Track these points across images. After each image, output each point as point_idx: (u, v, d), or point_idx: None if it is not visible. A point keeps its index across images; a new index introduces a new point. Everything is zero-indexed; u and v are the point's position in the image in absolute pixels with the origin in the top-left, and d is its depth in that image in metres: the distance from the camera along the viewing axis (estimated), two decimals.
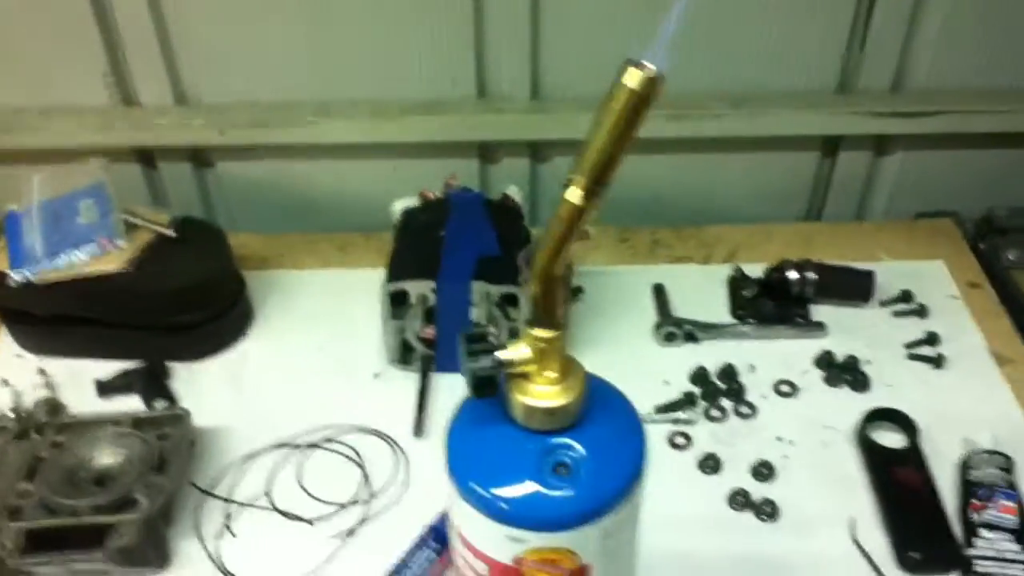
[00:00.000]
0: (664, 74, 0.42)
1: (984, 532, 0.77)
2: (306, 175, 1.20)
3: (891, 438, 0.88)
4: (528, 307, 0.89)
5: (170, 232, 0.97)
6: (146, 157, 1.19)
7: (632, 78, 0.41)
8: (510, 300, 0.93)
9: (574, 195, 0.45)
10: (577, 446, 0.50)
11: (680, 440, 0.89)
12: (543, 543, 0.50)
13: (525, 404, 0.50)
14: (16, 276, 0.92)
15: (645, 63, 0.41)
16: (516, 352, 0.50)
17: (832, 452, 0.87)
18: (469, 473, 0.51)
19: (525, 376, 0.50)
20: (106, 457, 0.81)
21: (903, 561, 0.77)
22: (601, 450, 0.51)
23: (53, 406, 0.90)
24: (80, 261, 0.93)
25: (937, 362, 0.96)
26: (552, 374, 0.50)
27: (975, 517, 0.78)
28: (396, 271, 0.94)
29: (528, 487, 0.49)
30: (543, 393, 0.50)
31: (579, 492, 0.49)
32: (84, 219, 0.97)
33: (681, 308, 1.04)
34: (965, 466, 0.83)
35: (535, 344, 0.50)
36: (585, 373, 0.52)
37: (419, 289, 0.92)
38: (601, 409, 0.53)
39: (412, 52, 1.10)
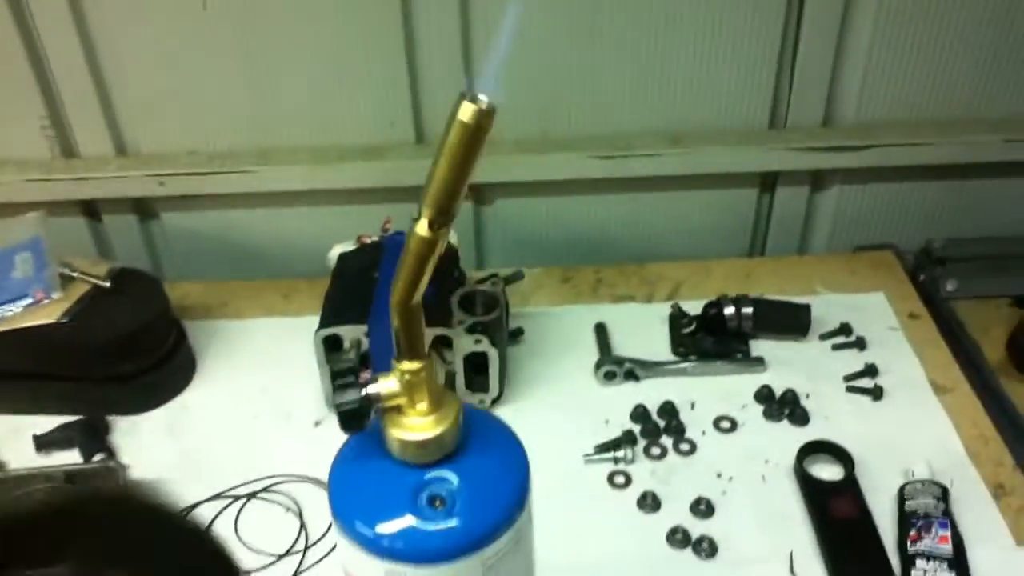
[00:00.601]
0: (495, 105, 0.43)
1: (920, 562, 0.77)
2: (249, 223, 1.20)
3: (829, 470, 0.88)
4: (471, 344, 0.90)
5: (105, 283, 0.97)
6: (91, 210, 1.19)
7: (465, 112, 0.42)
8: (444, 342, 0.93)
9: (422, 228, 0.46)
10: (453, 478, 0.51)
11: (619, 479, 0.89)
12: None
13: (398, 438, 0.50)
14: None
15: (477, 96, 0.43)
16: (384, 385, 0.51)
17: (770, 487, 0.88)
18: (349, 510, 0.51)
19: (398, 409, 0.51)
20: None
21: None
22: (478, 481, 0.51)
23: None
24: (14, 314, 0.93)
25: (875, 393, 0.96)
26: (423, 405, 0.50)
27: (912, 548, 0.78)
28: (328, 316, 0.94)
29: (405, 521, 0.49)
30: (415, 425, 0.50)
31: (458, 524, 0.49)
32: (20, 273, 0.96)
33: (623, 346, 1.04)
34: (902, 496, 0.83)
35: (402, 377, 0.50)
36: (460, 404, 0.52)
37: (352, 334, 0.92)
38: (480, 440, 0.53)
39: (350, 97, 1.11)
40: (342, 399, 0.48)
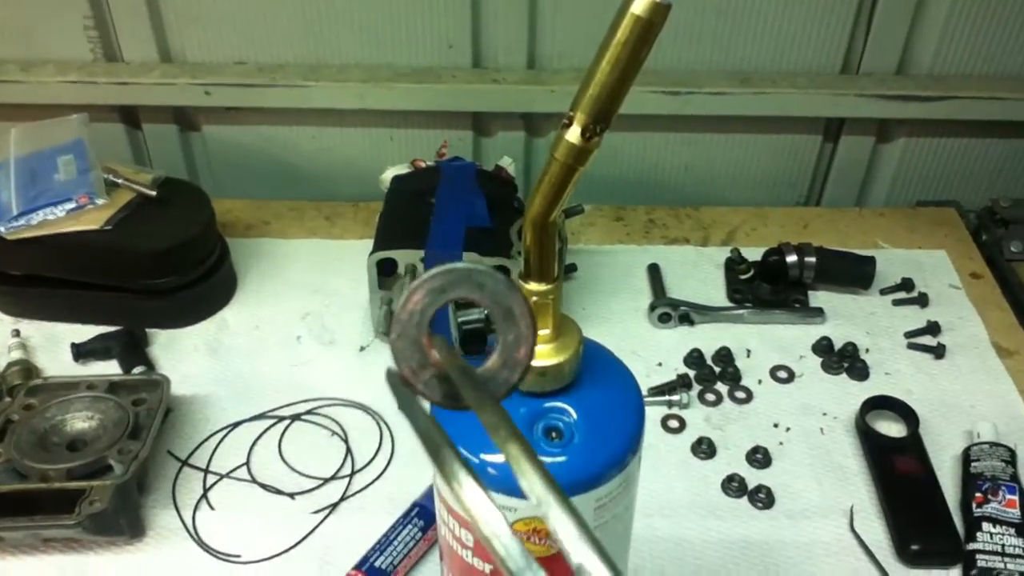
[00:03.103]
0: (671, 2, 0.39)
1: (986, 526, 0.75)
2: (294, 141, 1.16)
3: (890, 427, 0.86)
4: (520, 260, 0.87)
5: (151, 192, 0.94)
6: (130, 116, 1.15)
7: (639, 4, 0.38)
8: (502, 273, 0.89)
9: (574, 135, 0.41)
10: (570, 410, 0.47)
11: (674, 423, 0.86)
12: (533, 512, 0.47)
13: None
14: None
15: None
16: None
17: (829, 439, 0.85)
18: (455, 437, 0.48)
19: None
20: (79, 422, 0.78)
21: (902, 553, 0.74)
22: (596, 416, 0.48)
23: (27, 369, 0.87)
24: (57, 219, 0.90)
25: (938, 352, 0.93)
26: (545, 331, 0.47)
27: (977, 510, 0.76)
28: (384, 239, 0.90)
29: None
30: (536, 352, 0.47)
31: (572, 459, 0.46)
32: (63, 175, 0.93)
33: (676, 289, 1.01)
34: (967, 458, 0.81)
35: (528, 298, 0.46)
36: (581, 333, 0.49)
37: (407, 258, 0.89)
38: (596, 373, 0.49)
39: (409, 15, 1.06)
40: (467, 317, 0.45)
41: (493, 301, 0.37)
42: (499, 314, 0.37)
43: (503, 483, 0.46)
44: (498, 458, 0.46)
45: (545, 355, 0.46)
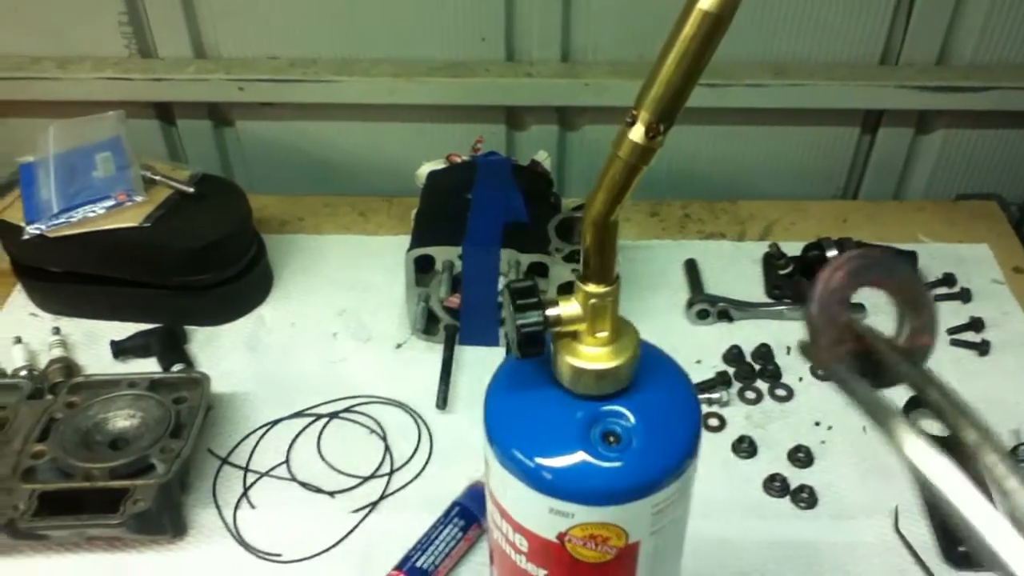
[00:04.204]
0: None
1: None
2: (327, 136, 1.16)
3: (933, 426, 0.85)
4: (565, 272, 0.87)
5: (189, 189, 0.94)
6: (165, 112, 1.15)
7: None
8: (540, 270, 0.89)
9: (637, 133, 0.41)
10: (628, 414, 0.47)
11: (714, 422, 0.86)
12: (590, 518, 0.46)
13: (573, 366, 0.46)
14: (31, 230, 0.88)
15: None
16: (566, 308, 0.46)
17: (872, 438, 0.84)
18: (511, 439, 0.47)
19: (574, 335, 0.47)
20: (121, 420, 0.78)
21: (949, 555, 0.73)
22: (654, 420, 0.47)
23: (68, 366, 0.87)
24: (96, 216, 0.90)
25: (982, 349, 0.92)
26: (603, 334, 0.46)
27: None
28: (421, 235, 0.90)
29: (576, 456, 0.46)
30: (593, 355, 0.46)
31: (630, 464, 0.46)
32: (101, 172, 0.93)
33: (713, 285, 1.00)
34: (1015, 456, 0.79)
35: (586, 300, 0.46)
36: (638, 335, 0.48)
37: (445, 255, 0.89)
38: (653, 376, 0.49)
39: (442, 7, 1.06)
40: (524, 320, 0.44)
41: (901, 288, 0.39)
42: (905, 302, 0.40)
43: (558, 487, 0.46)
44: (552, 461, 0.46)
45: (603, 358, 0.46)
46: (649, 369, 0.48)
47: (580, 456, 0.45)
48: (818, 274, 0.40)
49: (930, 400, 0.36)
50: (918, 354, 0.40)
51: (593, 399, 0.46)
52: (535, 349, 0.45)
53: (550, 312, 0.45)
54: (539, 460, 0.45)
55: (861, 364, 0.40)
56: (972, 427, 0.34)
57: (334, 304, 0.99)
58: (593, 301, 0.45)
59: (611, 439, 0.46)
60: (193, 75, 1.08)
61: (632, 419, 0.46)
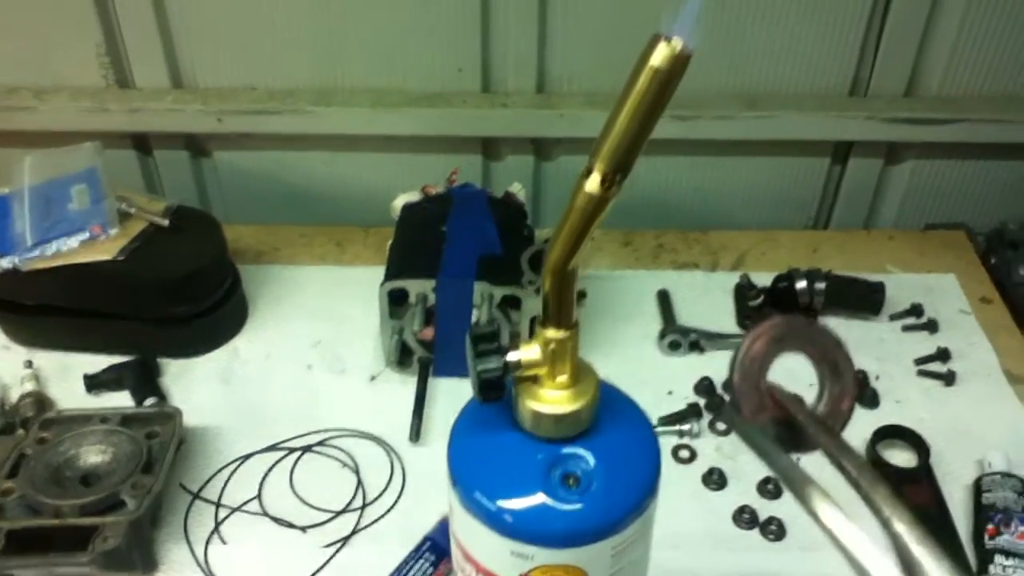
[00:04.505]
0: (691, 50, 0.39)
1: (999, 558, 0.75)
2: (305, 166, 1.17)
3: (901, 456, 0.86)
4: (539, 305, 0.87)
5: (164, 221, 0.94)
6: (141, 143, 1.16)
7: (659, 56, 0.38)
8: (512, 302, 0.90)
9: (593, 184, 0.42)
10: (588, 456, 0.48)
11: (684, 453, 0.87)
12: (551, 560, 0.47)
13: (534, 410, 0.47)
14: (3, 264, 0.89)
15: (671, 37, 0.38)
16: (526, 353, 0.47)
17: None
18: (473, 482, 0.48)
19: (534, 379, 0.48)
20: (93, 455, 0.78)
21: None
22: (613, 461, 0.48)
23: (40, 400, 0.87)
24: (70, 249, 0.90)
25: (948, 379, 0.93)
26: (563, 378, 0.47)
27: (990, 542, 0.76)
28: (395, 268, 0.91)
29: (536, 499, 0.47)
30: (553, 398, 0.47)
31: (590, 506, 0.47)
32: (76, 205, 0.93)
33: (686, 315, 1.02)
34: (978, 488, 0.81)
35: (546, 345, 0.47)
36: (598, 378, 0.49)
37: (419, 288, 0.89)
38: (613, 416, 0.50)
39: (419, 40, 1.07)
40: (485, 366, 0.45)
41: (822, 355, 0.41)
42: (827, 368, 0.41)
43: (519, 530, 0.47)
44: (513, 504, 0.46)
45: (563, 401, 0.46)
46: (609, 410, 0.49)
47: (540, 498, 0.46)
48: (741, 342, 0.42)
49: (844, 469, 0.38)
50: (839, 419, 0.42)
51: (553, 442, 0.47)
52: (495, 394, 0.46)
53: (510, 357, 0.46)
54: (500, 503, 0.46)
55: (781, 430, 0.42)
56: (883, 498, 0.35)
57: (309, 335, 0.99)
58: (552, 346, 0.46)
59: (571, 481, 0.47)
60: (171, 105, 1.09)
61: (592, 461, 0.47)
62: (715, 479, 0.84)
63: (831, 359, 0.41)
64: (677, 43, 0.38)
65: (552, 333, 0.46)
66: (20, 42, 1.07)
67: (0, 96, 1.09)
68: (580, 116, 1.08)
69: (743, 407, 0.41)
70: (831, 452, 0.39)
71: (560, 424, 0.47)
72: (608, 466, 0.47)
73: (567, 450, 0.48)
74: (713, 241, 1.13)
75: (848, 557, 0.33)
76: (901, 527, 0.34)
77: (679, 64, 0.38)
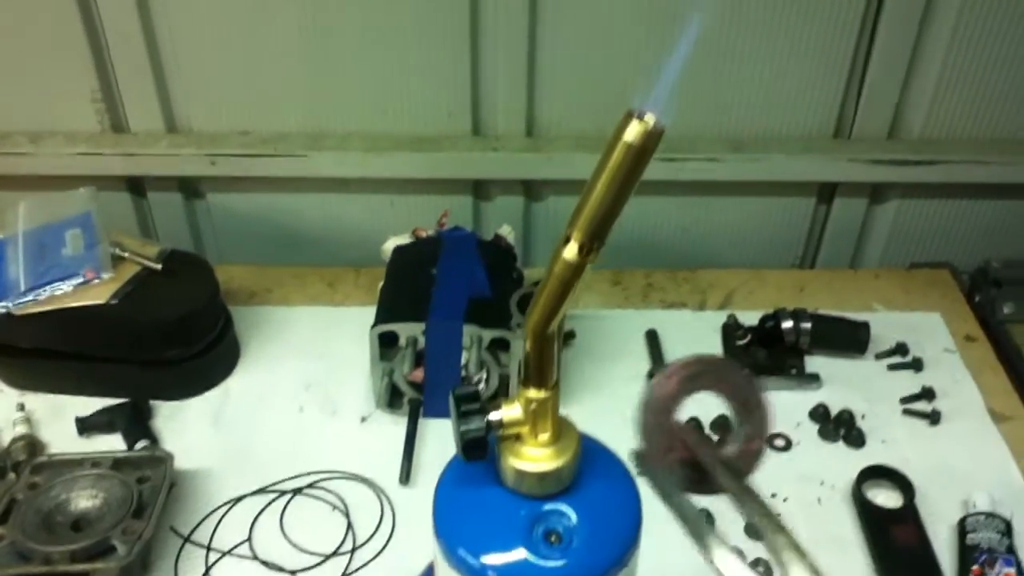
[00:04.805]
0: (663, 126, 0.40)
1: None
2: (297, 208, 1.18)
3: (887, 496, 0.87)
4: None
5: (157, 266, 0.95)
6: (136, 185, 1.17)
7: (631, 132, 0.40)
8: (501, 344, 0.91)
9: (571, 252, 0.43)
10: (570, 512, 0.49)
11: None
12: None
13: (516, 468, 0.48)
14: None
15: (645, 114, 0.40)
16: (507, 412, 0.48)
17: (827, 509, 0.86)
18: (457, 538, 0.49)
19: (517, 437, 0.49)
20: (84, 500, 0.78)
21: None
22: (595, 517, 0.49)
23: (31, 444, 0.88)
24: (64, 293, 0.91)
25: (933, 418, 0.94)
26: (544, 436, 0.48)
27: None
28: (385, 312, 0.92)
29: (518, 555, 0.47)
30: (535, 456, 0.48)
31: (572, 562, 0.47)
32: (70, 250, 0.95)
33: (674, 354, 1.03)
34: (963, 529, 0.81)
35: (527, 405, 0.48)
36: (579, 435, 0.50)
37: (408, 331, 0.90)
38: (595, 471, 0.51)
39: (409, 84, 1.09)
40: (468, 426, 0.46)
41: (735, 394, 0.40)
42: (740, 407, 0.40)
43: None
44: (496, 560, 0.47)
45: (544, 459, 0.47)
46: (591, 464, 0.50)
47: (522, 555, 0.47)
48: (652, 382, 0.42)
49: (746, 511, 0.39)
50: (750, 460, 0.42)
51: (536, 498, 0.48)
52: (479, 453, 0.47)
53: (493, 416, 0.47)
54: (483, 559, 0.47)
55: (689, 472, 0.42)
56: (783, 545, 0.36)
57: (301, 376, 1.00)
58: (533, 405, 0.47)
59: (553, 538, 0.47)
60: (165, 150, 1.10)
61: (574, 518, 0.48)
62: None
63: (743, 398, 0.41)
64: (649, 120, 0.39)
65: (533, 393, 0.48)
66: (16, 87, 1.09)
67: None
68: (568, 159, 1.10)
69: (650, 448, 0.41)
70: (735, 495, 0.39)
71: (542, 481, 0.48)
72: (590, 522, 0.48)
73: (549, 507, 0.49)
74: (701, 280, 1.15)
75: None
76: (796, 571, 0.35)
77: (651, 139, 0.40)
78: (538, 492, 0.48)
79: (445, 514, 0.50)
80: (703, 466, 0.41)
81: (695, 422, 0.94)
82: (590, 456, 0.50)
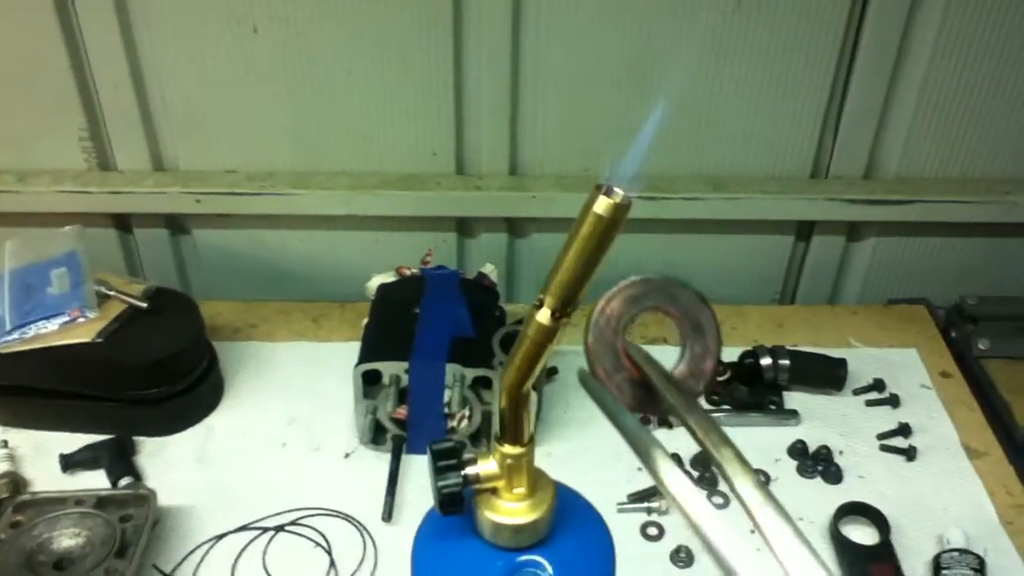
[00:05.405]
0: (630, 200, 0.42)
1: None
2: (282, 244, 1.19)
3: (863, 532, 0.88)
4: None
5: (142, 304, 0.96)
6: (122, 222, 1.18)
7: (600, 205, 0.42)
8: (484, 382, 0.92)
9: (544, 316, 0.45)
10: (546, 564, 0.50)
11: (653, 531, 0.88)
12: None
13: (493, 521, 0.49)
14: None
15: (614, 188, 0.42)
16: (483, 467, 0.50)
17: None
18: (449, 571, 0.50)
19: (493, 491, 0.50)
20: (67, 539, 0.79)
21: None
22: (570, 567, 0.50)
23: (14, 481, 0.88)
24: (49, 331, 0.92)
25: (909, 454, 0.96)
26: (520, 490, 0.50)
27: None
28: (369, 350, 0.93)
29: None
30: (511, 510, 0.49)
31: None
32: (56, 289, 0.95)
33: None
34: (937, 566, 0.82)
35: (503, 460, 0.49)
36: (554, 487, 0.51)
37: (392, 369, 0.91)
38: (569, 522, 0.52)
39: (394, 125, 1.11)
40: (445, 482, 0.47)
41: (684, 313, 0.41)
42: (688, 326, 0.41)
43: None
44: None
45: (520, 512, 0.49)
46: (566, 515, 0.51)
47: None
48: (596, 301, 0.42)
49: (693, 429, 0.39)
50: (700, 378, 0.43)
51: (512, 550, 0.49)
52: (455, 508, 0.48)
53: (469, 471, 0.49)
54: None
55: (638, 391, 0.43)
56: (727, 459, 0.37)
57: (285, 412, 1.01)
58: (509, 461, 0.49)
59: None
60: (151, 188, 1.12)
61: (550, 569, 0.49)
62: (682, 557, 0.85)
63: (693, 318, 0.42)
64: (617, 195, 0.41)
65: (509, 449, 0.49)
66: (3, 126, 1.10)
67: None
68: (551, 197, 1.12)
69: (597, 368, 0.42)
70: (681, 413, 0.40)
71: (518, 534, 0.49)
72: (565, 573, 0.49)
73: (525, 558, 0.50)
74: None
75: (691, 523, 0.35)
76: (746, 489, 0.35)
77: (620, 212, 0.41)
78: (514, 544, 0.49)
79: (423, 565, 0.51)
80: (651, 385, 0.42)
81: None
82: (565, 506, 0.52)
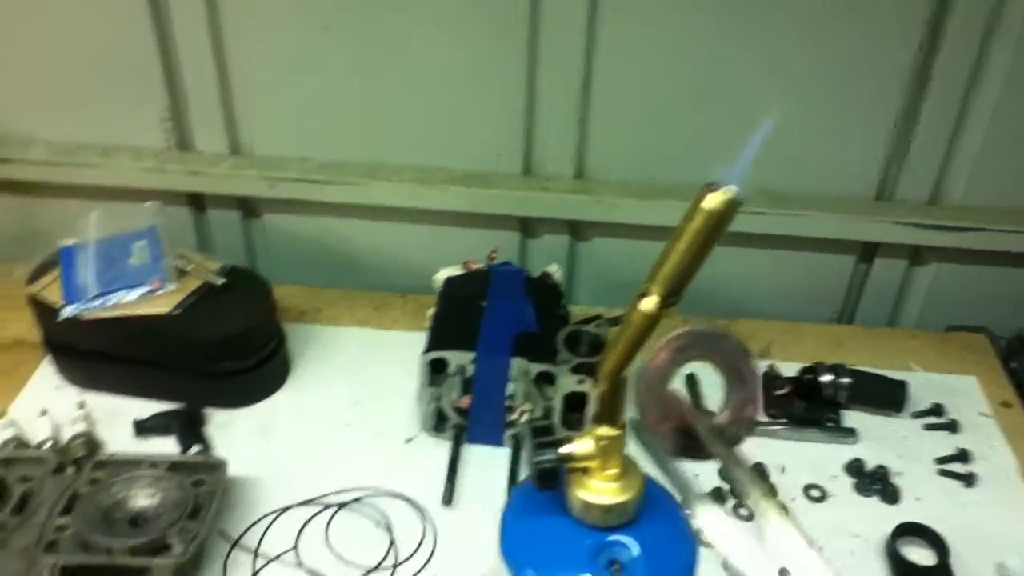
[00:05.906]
0: (742, 197, 0.44)
1: None
2: (349, 233, 1.22)
3: (920, 553, 0.88)
4: (572, 383, 0.91)
5: (218, 280, 0.99)
6: (197, 202, 1.21)
7: (711, 201, 0.43)
8: (546, 378, 0.93)
9: (650, 304, 0.46)
10: (632, 544, 0.51)
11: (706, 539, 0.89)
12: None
13: (584, 499, 0.51)
14: (67, 312, 0.93)
15: (724, 184, 0.44)
16: (579, 447, 0.51)
17: (859, 563, 0.87)
18: (524, 561, 0.52)
19: (586, 471, 0.52)
20: (142, 499, 0.81)
21: None
22: (655, 552, 0.52)
23: (90, 441, 0.91)
24: (129, 301, 0.95)
25: (968, 480, 0.96)
26: (613, 471, 0.51)
27: None
28: (437, 339, 0.95)
29: None
30: (603, 489, 0.51)
31: None
32: (136, 260, 0.98)
33: (713, 397, 1.04)
34: None
35: (599, 441, 0.51)
36: (643, 474, 0.53)
37: (459, 359, 0.93)
38: (655, 511, 0.54)
39: (463, 123, 1.13)
40: (542, 457, 0.49)
41: (727, 363, 0.43)
42: (731, 375, 0.43)
43: None
44: None
45: (612, 492, 0.50)
46: (652, 504, 0.53)
47: None
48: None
49: (732, 477, 0.42)
50: (742, 426, 0.45)
51: (600, 529, 0.51)
52: (551, 483, 0.50)
53: (565, 450, 0.50)
54: None
55: (682, 439, 0.45)
56: (768, 504, 0.39)
57: (348, 394, 1.03)
58: (604, 442, 0.50)
59: (615, 567, 0.50)
60: (227, 171, 1.14)
61: (635, 550, 0.51)
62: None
63: (735, 367, 0.44)
64: (729, 190, 0.42)
65: (605, 430, 0.51)
66: (91, 103, 1.14)
67: (68, 152, 1.15)
68: (615, 203, 1.13)
69: (645, 418, 0.44)
70: (724, 461, 0.42)
71: (608, 514, 0.51)
72: (650, 556, 0.51)
73: (613, 538, 0.51)
74: (740, 330, 1.15)
75: (726, 565, 0.37)
76: (775, 522, 0.37)
77: (730, 208, 0.43)
78: (603, 524, 0.51)
79: (513, 538, 0.52)
80: (695, 434, 0.45)
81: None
82: (652, 496, 0.53)
